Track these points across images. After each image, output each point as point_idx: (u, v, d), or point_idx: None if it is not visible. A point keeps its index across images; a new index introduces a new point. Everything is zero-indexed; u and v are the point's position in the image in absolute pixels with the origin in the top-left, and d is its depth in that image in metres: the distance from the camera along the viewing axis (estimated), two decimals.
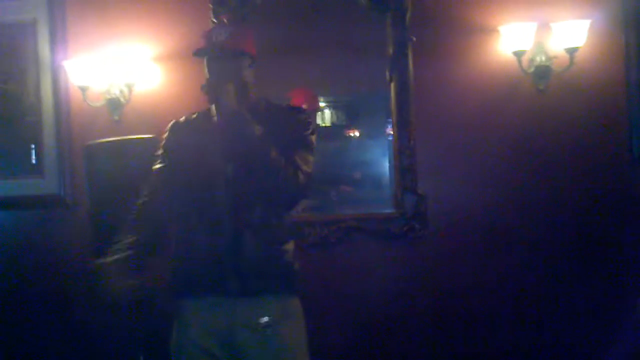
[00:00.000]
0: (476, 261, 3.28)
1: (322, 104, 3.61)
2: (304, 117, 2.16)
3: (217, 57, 2.06)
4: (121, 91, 3.38)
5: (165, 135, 2.21)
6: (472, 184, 3.28)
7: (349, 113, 3.64)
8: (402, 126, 3.27)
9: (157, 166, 2.17)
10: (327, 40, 3.27)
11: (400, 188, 3.29)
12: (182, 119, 2.23)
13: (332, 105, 3.62)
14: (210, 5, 3.33)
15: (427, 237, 3.28)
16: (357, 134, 3.59)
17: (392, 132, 3.31)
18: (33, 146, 3.51)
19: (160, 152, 2.20)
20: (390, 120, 3.32)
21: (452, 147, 3.29)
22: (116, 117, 3.41)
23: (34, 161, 3.52)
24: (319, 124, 3.53)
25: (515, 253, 3.27)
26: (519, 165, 3.26)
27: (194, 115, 2.23)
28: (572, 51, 3.12)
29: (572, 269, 3.26)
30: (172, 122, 2.23)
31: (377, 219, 3.31)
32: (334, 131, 3.62)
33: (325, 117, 3.62)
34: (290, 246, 2.11)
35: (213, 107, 2.07)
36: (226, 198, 2.02)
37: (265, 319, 2.01)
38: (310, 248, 3.29)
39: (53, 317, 3.45)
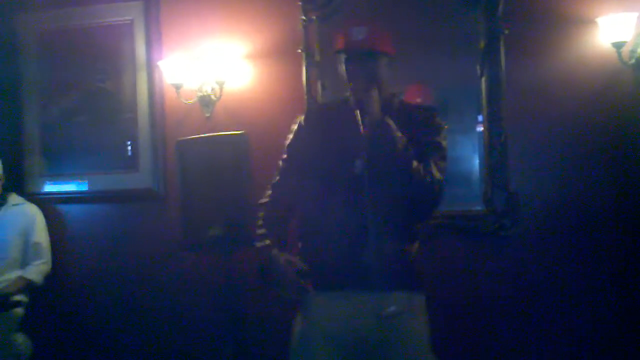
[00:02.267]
0: (568, 261, 3.15)
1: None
2: (439, 120, 2.13)
3: (357, 57, 2.04)
4: (213, 89, 3.47)
5: (298, 122, 2.18)
6: (565, 182, 3.16)
7: (439, 108, 3.56)
8: (493, 122, 3.18)
9: (285, 156, 2.17)
10: (417, 35, 3.22)
11: (490, 185, 3.20)
12: (317, 106, 2.20)
13: None
14: (300, 3, 3.37)
15: (517, 236, 3.17)
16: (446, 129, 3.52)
17: (482, 128, 3.23)
18: (129, 142, 3.66)
19: (290, 137, 2.18)
20: (480, 115, 3.24)
21: (545, 144, 3.18)
22: (207, 114, 3.50)
23: (129, 156, 3.66)
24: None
25: (609, 254, 3.12)
26: (616, 165, 3.10)
27: (331, 105, 2.24)
28: None
29: None
30: (306, 111, 2.23)
31: (467, 216, 3.24)
32: None
33: None
34: (415, 246, 2.12)
35: (352, 98, 2.05)
36: (362, 200, 2.00)
37: (392, 308, 2.02)
38: None
39: (144, 304, 3.59)
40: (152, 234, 3.60)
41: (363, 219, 2.00)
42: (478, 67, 3.20)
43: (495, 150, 3.19)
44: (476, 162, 3.32)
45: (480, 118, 3.25)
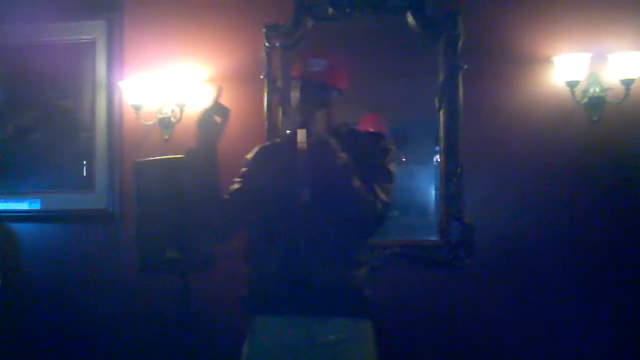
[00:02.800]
0: (522, 293, 3.20)
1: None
2: (385, 144, 2.17)
3: (311, 87, 2.10)
4: (173, 111, 3.46)
5: (250, 156, 2.24)
6: (520, 214, 3.22)
7: (397, 139, 3.61)
8: (450, 153, 3.24)
9: (236, 186, 2.19)
10: (377, 66, 3.28)
11: (446, 216, 3.24)
12: (268, 143, 2.29)
13: None
14: (264, 30, 3.39)
15: (472, 267, 3.22)
16: (403, 159, 3.57)
17: (439, 159, 3.28)
18: (85, 162, 3.60)
19: (242, 171, 2.23)
20: (438, 147, 3.29)
21: (500, 177, 3.24)
22: (166, 136, 3.48)
23: (85, 176, 3.60)
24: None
25: (565, 286, 3.18)
26: (570, 197, 3.19)
27: (278, 140, 2.29)
28: (628, 83, 3.05)
29: (634, 307, 3.14)
30: (258, 147, 2.28)
31: (422, 246, 3.27)
32: None
33: None
34: (362, 271, 2.10)
35: (297, 132, 2.06)
36: (303, 221, 2.03)
37: (332, 336, 2.02)
38: None
39: (99, 329, 3.50)
40: (106, 255, 3.54)
41: (304, 244, 2.02)
42: (436, 100, 3.26)
43: (451, 182, 3.24)
44: (432, 192, 3.37)
45: (437, 149, 3.30)
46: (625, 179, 3.15)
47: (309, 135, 1.99)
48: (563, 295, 3.18)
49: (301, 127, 2.02)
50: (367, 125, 3.31)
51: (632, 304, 3.14)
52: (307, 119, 2.01)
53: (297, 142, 2.03)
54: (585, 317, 3.16)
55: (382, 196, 2.01)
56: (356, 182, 1.96)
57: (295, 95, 2.14)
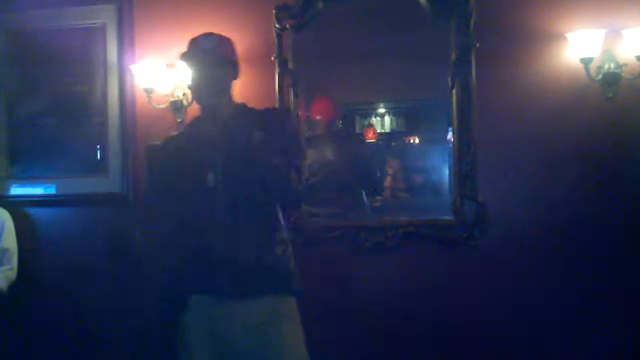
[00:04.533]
0: (536, 271, 3.20)
1: (381, 110, 3.60)
2: (290, 118, 2.22)
3: (207, 63, 2.15)
4: (184, 94, 3.46)
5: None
6: (533, 193, 3.21)
7: (410, 119, 3.61)
8: (463, 133, 3.22)
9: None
10: (389, 46, 3.26)
11: (459, 195, 3.24)
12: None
13: (392, 112, 3.61)
14: (274, 11, 3.37)
15: (486, 245, 3.22)
16: (417, 140, 3.57)
17: (452, 139, 3.26)
18: (98, 146, 3.62)
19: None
20: (451, 126, 3.27)
21: (514, 155, 3.23)
22: (179, 120, 3.48)
23: (99, 160, 3.62)
24: (380, 129, 3.55)
25: (577, 263, 3.18)
26: (584, 175, 3.17)
27: (175, 134, 2.32)
28: None
29: None
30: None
31: (436, 226, 3.27)
32: (394, 137, 3.60)
33: (385, 123, 3.60)
34: (282, 247, 2.16)
35: (201, 116, 2.16)
36: (222, 199, 2.08)
37: (259, 318, 2.09)
38: (367, 253, 3.29)
39: (114, 312, 3.54)
40: (121, 238, 3.56)
41: (222, 225, 2.08)
42: (449, 79, 3.23)
43: (464, 161, 3.23)
44: (446, 172, 3.36)
45: (450, 129, 3.28)
46: None
47: (216, 111, 2.08)
48: (577, 274, 3.18)
49: (204, 103, 2.11)
50: (318, 110, 3.34)
51: None
52: (210, 95, 2.09)
53: (200, 125, 2.05)
54: (598, 295, 3.15)
55: (298, 162, 2.09)
56: (271, 154, 2.01)
57: (190, 78, 2.19)
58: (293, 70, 3.35)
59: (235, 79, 2.25)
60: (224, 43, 2.23)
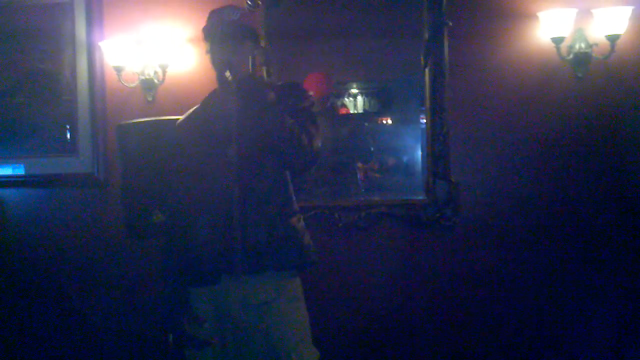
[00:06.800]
0: (508, 250, 3.24)
1: (354, 91, 3.59)
2: (303, 92, 2.21)
3: (230, 35, 2.09)
4: (155, 72, 3.40)
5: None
6: (505, 172, 3.23)
7: (382, 99, 3.60)
8: (436, 112, 3.22)
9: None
10: (360, 25, 3.24)
11: (432, 175, 3.25)
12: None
13: (365, 92, 3.59)
14: None
15: (458, 225, 3.24)
16: (389, 121, 3.56)
17: (425, 119, 3.26)
18: (68, 125, 3.56)
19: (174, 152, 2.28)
20: (423, 106, 3.27)
21: (486, 135, 3.24)
22: (150, 98, 3.44)
23: (68, 140, 3.56)
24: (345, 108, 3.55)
25: (549, 243, 3.22)
26: (555, 154, 3.19)
27: (195, 108, 2.30)
28: (613, 38, 3.03)
29: (612, 260, 3.18)
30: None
31: (408, 205, 3.28)
32: (366, 118, 3.60)
33: (358, 103, 3.59)
34: (298, 219, 2.18)
35: (221, 91, 2.12)
36: (238, 171, 2.08)
37: (263, 296, 2.09)
38: (339, 233, 3.29)
39: (86, 294, 3.51)
40: (93, 219, 3.53)
41: (240, 196, 2.07)
42: (422, 58, 3.23)
43: (437, 141, 3.23)
44: (419, 152, 3.36)
45: (423, 109, 3.28)
46: (610, 135, 3.16)
47: (234, 77, 2.03)
48: (549, 252, 3.22)
49: (223, 70, 2.06)
50: (313, 84, 3.32)
51: (619, 258, 3.19)
52: (230, 64, 2.04)
53: (229, 97, 2.05)
54: (571, 272, 3.21)
55: (313, 131, 2.07)
56: (287, 118, 2.00)
57: (213, 47, 2.14)
58: (266, 47, 3.32)
59: (255, 51, 2.23)
60: (247, 15, 2.24)
